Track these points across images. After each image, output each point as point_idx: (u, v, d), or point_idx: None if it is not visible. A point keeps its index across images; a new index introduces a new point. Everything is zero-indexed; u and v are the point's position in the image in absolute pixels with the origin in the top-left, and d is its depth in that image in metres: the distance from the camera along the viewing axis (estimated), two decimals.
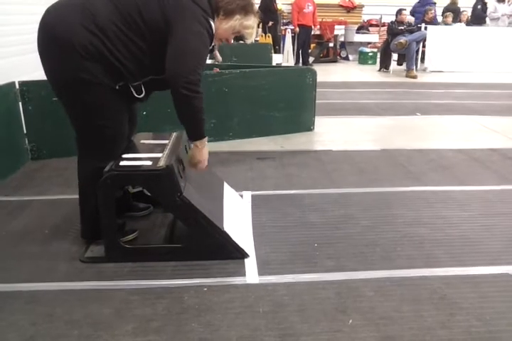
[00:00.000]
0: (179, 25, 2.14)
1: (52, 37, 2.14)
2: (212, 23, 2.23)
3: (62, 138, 3.70)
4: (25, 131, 3.73)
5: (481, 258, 2.37)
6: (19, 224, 2.70)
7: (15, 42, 4.31)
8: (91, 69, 2.13)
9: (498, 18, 11.09)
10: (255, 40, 11.54)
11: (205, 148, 2.37)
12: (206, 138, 2.33)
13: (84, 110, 2.24)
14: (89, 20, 2.10)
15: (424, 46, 9.83)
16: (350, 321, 1.88)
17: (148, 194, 2.58)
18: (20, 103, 3.65)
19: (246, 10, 2.30)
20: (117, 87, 2.22)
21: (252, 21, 2.34)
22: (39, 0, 3.71)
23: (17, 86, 3.62)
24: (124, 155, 2.34)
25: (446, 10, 11.17)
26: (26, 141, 3.76)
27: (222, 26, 2.29)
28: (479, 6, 11.43)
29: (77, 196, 2.45)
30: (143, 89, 2.29)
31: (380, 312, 1.93)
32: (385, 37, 10.29)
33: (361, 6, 14.39)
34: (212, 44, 2.32)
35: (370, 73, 9.95)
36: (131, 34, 2.14)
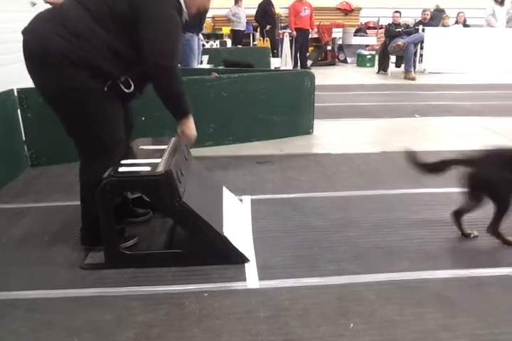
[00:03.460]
0: (149, 10, 2.15)
1: (30, 53, 2.17)
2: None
3: (61, 144, 3.66)
4: (24, 138, 3.73)
5: (482, 259, 2.36)
6: (19, 231, 2.70)
7: (12, 50, 4.31)
8: (76, 76, 2.14)
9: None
10: (253, 44, 11.60)
11: (192, 123, 2.41)
12: (191, 115, 2.38)
13: (79, 119, 2.25)
14: (60, 26, 2.12)
15: (422, 48, 9.85)
16: (352, 325, 1.87)
17: (148, 199, 2.57)
18: (19, 110, 3.66)
19: None
20: (106, 89, 2.22)
21: None
22: (35, 7, 3.72)
23: (15, 93, 3.62)
24: (123, 161, 2.34)
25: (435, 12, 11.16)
26: (25, 148, 3.76)
27: None
28: None
29: (76, 202, 2.45)
30: (131, 82, 2.28)
31: (381, 316, 1.92)
32: (383, 39, 10.32)
33: (359, 9, 14.47)
34: (184, 17, 2.33)
35: (368, 76, 9.95)
36: (104, 31, 2.14)
